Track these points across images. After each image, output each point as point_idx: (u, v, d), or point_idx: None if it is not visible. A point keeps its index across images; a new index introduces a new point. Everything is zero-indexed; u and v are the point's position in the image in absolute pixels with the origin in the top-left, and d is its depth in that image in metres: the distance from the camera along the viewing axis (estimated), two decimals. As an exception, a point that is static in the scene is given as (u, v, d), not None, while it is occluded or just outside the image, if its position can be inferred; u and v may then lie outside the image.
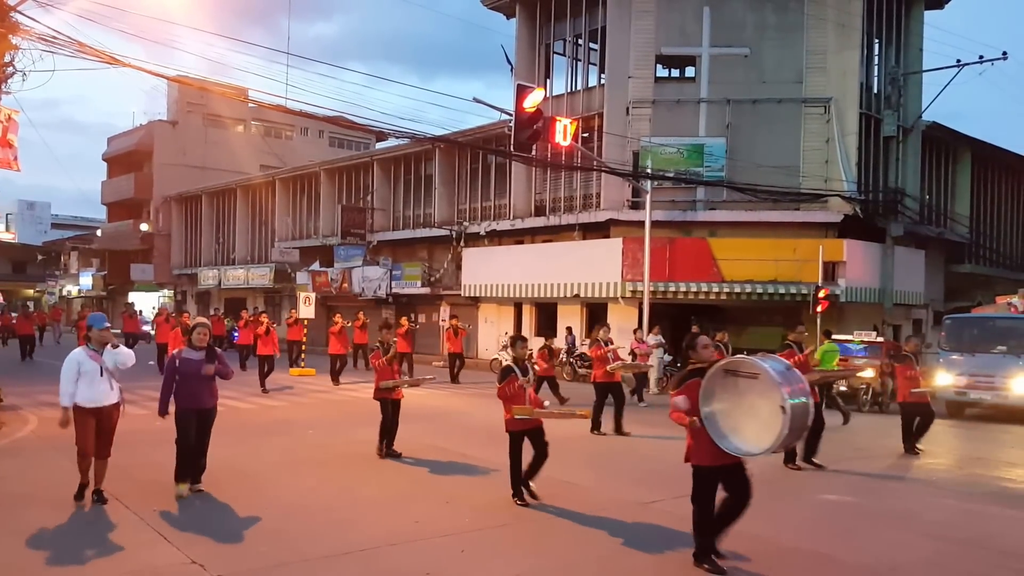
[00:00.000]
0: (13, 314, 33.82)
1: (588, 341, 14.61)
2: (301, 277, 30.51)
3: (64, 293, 52.59)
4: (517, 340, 7.27)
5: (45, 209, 64.02)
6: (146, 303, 40.85)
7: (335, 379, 16.62)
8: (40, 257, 58.71)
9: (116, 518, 6.18)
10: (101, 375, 6.32)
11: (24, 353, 22.30)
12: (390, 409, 8.79)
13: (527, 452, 6.92)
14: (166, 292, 42.36)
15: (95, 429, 6.34)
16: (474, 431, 10.73)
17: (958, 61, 19.54)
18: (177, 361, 6.78)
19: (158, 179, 42.26)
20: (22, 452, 8.90)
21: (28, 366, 20.93)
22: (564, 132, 14.40)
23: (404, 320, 18.56)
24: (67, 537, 5.71)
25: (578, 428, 11.69)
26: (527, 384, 6.87)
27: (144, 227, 42.36)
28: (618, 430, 10.66)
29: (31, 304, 48.68)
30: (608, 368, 11.06)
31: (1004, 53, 19.16)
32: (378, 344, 9.06)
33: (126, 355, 6.58)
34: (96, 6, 13.60)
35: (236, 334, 22.78)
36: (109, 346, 6.41)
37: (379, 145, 35.16)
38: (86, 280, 48.41)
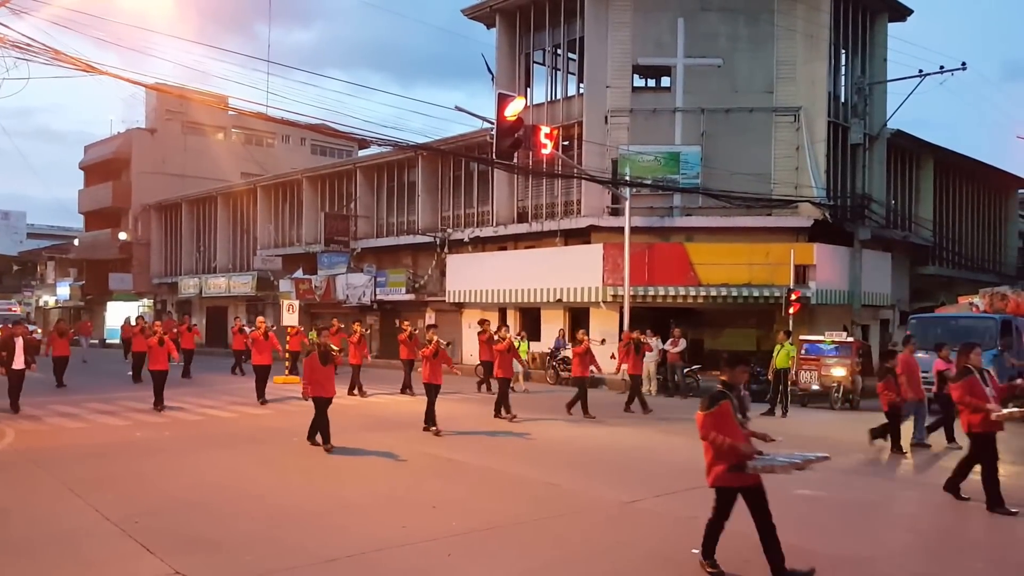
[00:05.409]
0: (32, 327, 30.46)
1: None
2: (284, 285, 30.62)
3: (41, 304, 51.94)
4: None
5: (20, 219, 63.22)
6: (123, 313, 40.55)
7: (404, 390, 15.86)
8: (16, 267, 57.94)
9: (98, 530, 6.07)
10: None
11: (60, 378, 17.72)
12: (728, 506, 5.22)
13: None
14: (145, 301, 42.10)
15: None
16: (464, 437, 10.89)
17: (920, 71, 20.42)
18: None
19: (137, 187, 42.01)
20: (-1, 466, 8.68)
21: (48, 387, 17.24)
22: (547, 139, 14.88)
23: (356, 326, 16.67)
24: (48, 551, 5.60)
25: (571, 429, 12.07)
26: None
27: (123, 236, 42.04)
28: (994, 505, 7.05)
29: (82, 316, 42.33)
30: (994, 416, 7.15)
31: (963, 64, 20.03)
32: (720, 388, 5.22)
33: None
34: (72, 13, 13.71)
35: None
36: None
37: (362, 153, 35.40)
38: (63, 290, 47.89)
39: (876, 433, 10.49)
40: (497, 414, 12.50)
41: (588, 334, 13.89)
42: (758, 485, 5.10)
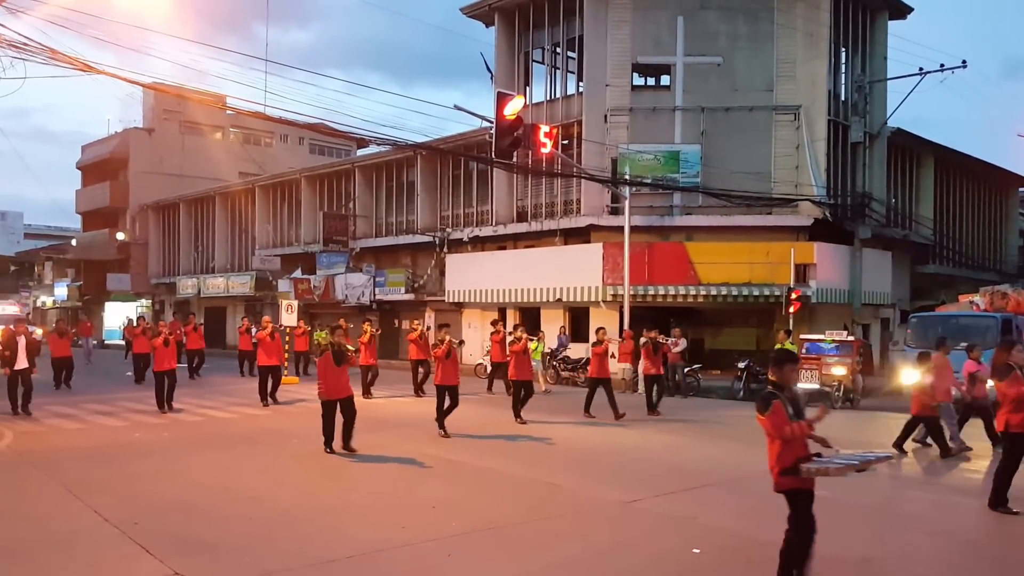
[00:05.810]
0: (33, 328, 30.45)
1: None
2: (283, 285, 30.56)
3: (39, 304, 51.83)
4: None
5: (18, 219, 63.21)
6: (122, 313, 40.49)
7: (418, 390, 15.54)
8: (13, 268, 57.85)
9: (97, 532, 6.08)
10: None
11: (59, 380, 17.15)
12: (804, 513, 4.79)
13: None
14: (144, 302, 42.02)
15: None
16: (464, 438, 10.80)
17: (920, 70, 20.40)
18: None
19: (134, 187, 41.92)
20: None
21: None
22: (546, 138, 14.79)
23: (366, 326, 16.32)
24: (47, 553, 5.58)
25: (571, 429, 12.03)
26: None
27: (120, 236, 41.95)
28: (997, 503, 6.97)
29: (81, 316, 40.66)
30: None
31: (964, 62, 20.03)
32: (770, 389, 4.69)
33: None
34: (69, 12, 13.61)
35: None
36: None
37: (360, 152, 35.37)
38: (61, 291, 47.80)
39: (940, 445, 9.89)
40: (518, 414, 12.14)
41: (592, 333, 13.55)
42: (809, 491, 4.81)
